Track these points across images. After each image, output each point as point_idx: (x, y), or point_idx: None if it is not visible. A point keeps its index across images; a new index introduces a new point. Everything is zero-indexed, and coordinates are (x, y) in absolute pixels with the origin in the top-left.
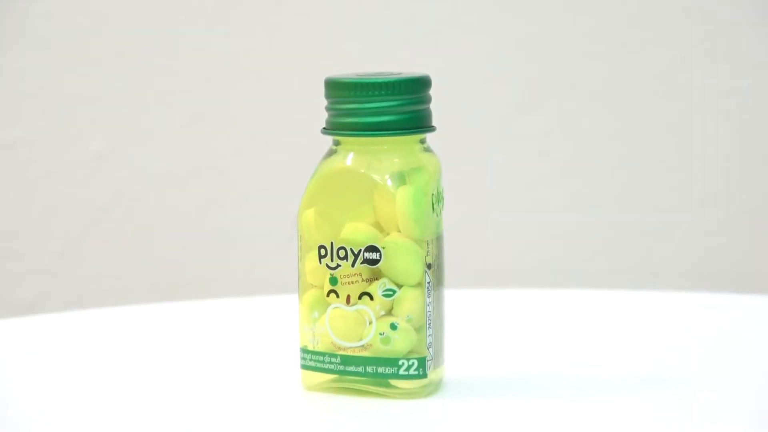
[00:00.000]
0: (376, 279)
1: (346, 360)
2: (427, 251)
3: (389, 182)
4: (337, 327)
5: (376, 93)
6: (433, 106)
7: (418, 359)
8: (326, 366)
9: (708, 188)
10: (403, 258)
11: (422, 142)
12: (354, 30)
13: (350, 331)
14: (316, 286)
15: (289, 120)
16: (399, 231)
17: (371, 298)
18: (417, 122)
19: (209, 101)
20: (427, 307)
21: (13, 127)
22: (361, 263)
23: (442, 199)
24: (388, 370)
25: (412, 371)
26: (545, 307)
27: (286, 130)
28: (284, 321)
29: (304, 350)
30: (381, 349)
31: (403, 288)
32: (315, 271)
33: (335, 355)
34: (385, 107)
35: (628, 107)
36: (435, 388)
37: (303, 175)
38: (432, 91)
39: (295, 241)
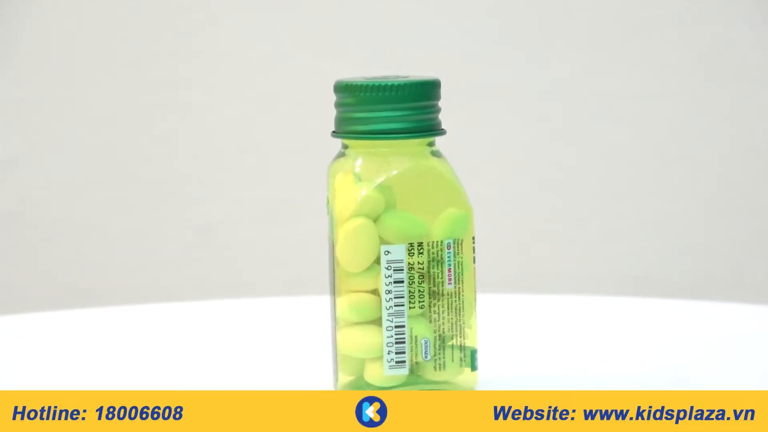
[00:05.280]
0: None
1: None
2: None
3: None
4: None
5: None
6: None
7: None
8: None
9: (615, 192)
10: None
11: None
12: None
13: None
14: None
15: (195, 126)
16: None
17: None
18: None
19: (116, 108)
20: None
21: None
22: None
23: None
24: None
25: None
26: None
27: (192, 136)
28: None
29: None
30: None
31: None
32: None
33: None
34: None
35: (535, 112)
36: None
37: (208, 180)
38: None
39: (207, 248)
